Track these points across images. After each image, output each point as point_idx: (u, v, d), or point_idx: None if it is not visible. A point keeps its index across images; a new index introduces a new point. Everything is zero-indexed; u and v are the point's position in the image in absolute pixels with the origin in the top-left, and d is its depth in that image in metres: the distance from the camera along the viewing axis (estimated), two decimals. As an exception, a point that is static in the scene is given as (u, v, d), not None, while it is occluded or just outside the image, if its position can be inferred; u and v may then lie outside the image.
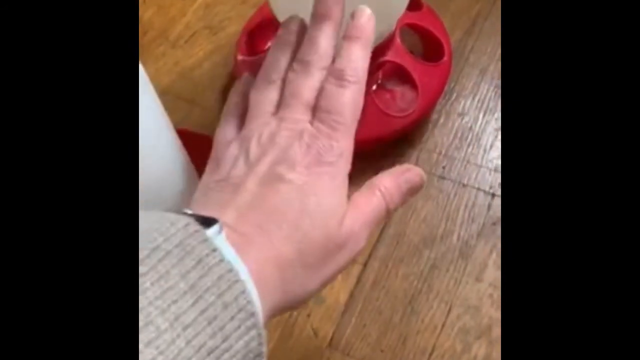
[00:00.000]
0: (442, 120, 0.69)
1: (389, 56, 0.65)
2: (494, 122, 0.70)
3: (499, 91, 0.72)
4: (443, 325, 0.58)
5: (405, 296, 0.60)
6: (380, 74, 0.67)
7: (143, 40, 0.77)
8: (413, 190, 0.47)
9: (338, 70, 0.45)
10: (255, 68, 0.66)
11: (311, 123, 0.44)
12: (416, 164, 0.67)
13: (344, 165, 0.43)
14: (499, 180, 0.66)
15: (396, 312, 0.59)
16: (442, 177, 0.66)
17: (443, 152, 0.68)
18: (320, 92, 0.44)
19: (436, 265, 0.61)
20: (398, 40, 0.66)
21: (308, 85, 0.45)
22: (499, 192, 0.65)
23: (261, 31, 0.71)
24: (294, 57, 0.47)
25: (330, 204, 0.42)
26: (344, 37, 0.46)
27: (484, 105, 0.71)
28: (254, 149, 0.43)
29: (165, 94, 0.72)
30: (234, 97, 0.50)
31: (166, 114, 0.50)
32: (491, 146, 0.68)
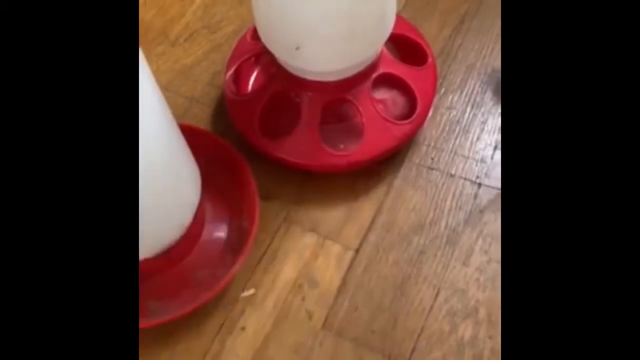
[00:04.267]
0: (430, 113, 0.72)
1: (382, 68, 0.67)
2: (481, 115, 0.73)
3: (486, 86, 0.75)
4: (431, 308, 0.61)
5: (395, 280, 0.63)
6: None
7: (144, 40, 0.80)
8: None
9: None
10: (243, 107, 0.68)
11: None
12: (406, 155, 0.70)
13: None
14: (485, 170, 0.69)
15: (387, 295, 0.62)
16: (431, 168, 0.69)
17: (432, 144, 0.71)
18: None
19: (425, 251, 0.64)
20: (385, 51, 0.68)
21: None
22: (485, 181, 0.68)
23: (243, 72, 0.73)
24: None
25: None
26: None
27: (471, 100, 0.74)
28: None
29: (166, 91, 0.75)
30: None
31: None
32: (478, 138, 0.71)
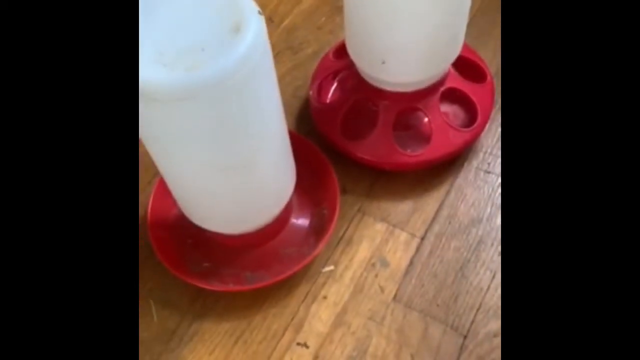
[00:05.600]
0: (487, 126, 0.82)
1: (448, 83, 0.78)
2: (531, 129, 0.83)
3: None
4: (488, 288, 0.71)
5: (456, 264, 0.72)
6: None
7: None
8: None
9: None
10: (326, 113, 0.80)
11: None
12: (466, 160, 0.80)
13: None
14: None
15: (449, 276, 0.72)
16: (487, 172, 0.79)
17: (488, 151, 0.81)
18: None
19: (482, 241, 0.74)
20: (452, 69, 0.79)
21: None
22: (535, 185, 0.78)
23: (324, 86, 0.85)
24: None
25: None
26: None
27: (523, 116, 0.84)
28: None
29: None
30: None
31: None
32: (529, 148, 0.81)
